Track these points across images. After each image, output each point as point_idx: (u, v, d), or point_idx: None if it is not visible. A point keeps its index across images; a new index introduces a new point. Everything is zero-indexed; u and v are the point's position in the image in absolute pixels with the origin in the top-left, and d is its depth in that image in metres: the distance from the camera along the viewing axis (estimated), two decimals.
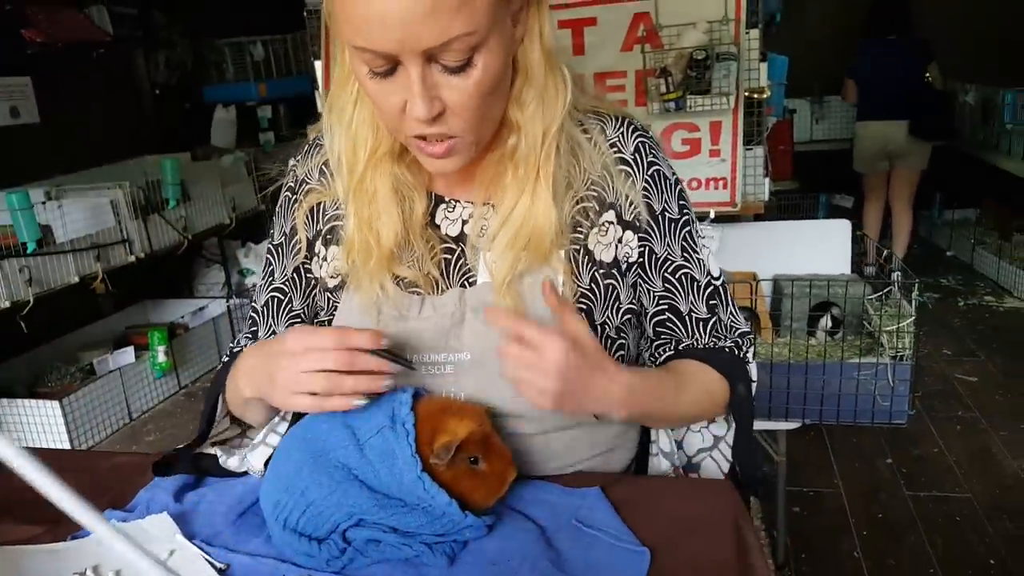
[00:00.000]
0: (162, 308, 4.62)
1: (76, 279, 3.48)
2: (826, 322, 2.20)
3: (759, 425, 2.17)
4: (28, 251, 3.27)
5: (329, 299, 1.04)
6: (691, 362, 1.01)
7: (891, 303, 2.24)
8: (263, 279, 1.11)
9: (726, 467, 1.07)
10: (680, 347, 1.03)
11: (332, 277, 1.03)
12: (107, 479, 1.08)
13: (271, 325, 1.08)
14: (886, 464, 3.03)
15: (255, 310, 1.11)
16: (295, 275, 1.07)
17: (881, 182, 5.00)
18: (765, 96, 2.27)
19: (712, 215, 2.34)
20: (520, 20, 0.86)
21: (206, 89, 5.27)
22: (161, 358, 3.88)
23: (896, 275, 2.22)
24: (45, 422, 3.41)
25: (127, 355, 3.86)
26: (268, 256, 1.10)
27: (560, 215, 0.93)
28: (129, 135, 4.86)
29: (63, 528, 0.93)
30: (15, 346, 3.79)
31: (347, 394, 0.83)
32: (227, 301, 3.97)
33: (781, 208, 4.86)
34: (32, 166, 4.00)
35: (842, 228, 2.41)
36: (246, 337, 1.12)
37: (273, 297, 1.08)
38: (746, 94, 2.25)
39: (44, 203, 3.47)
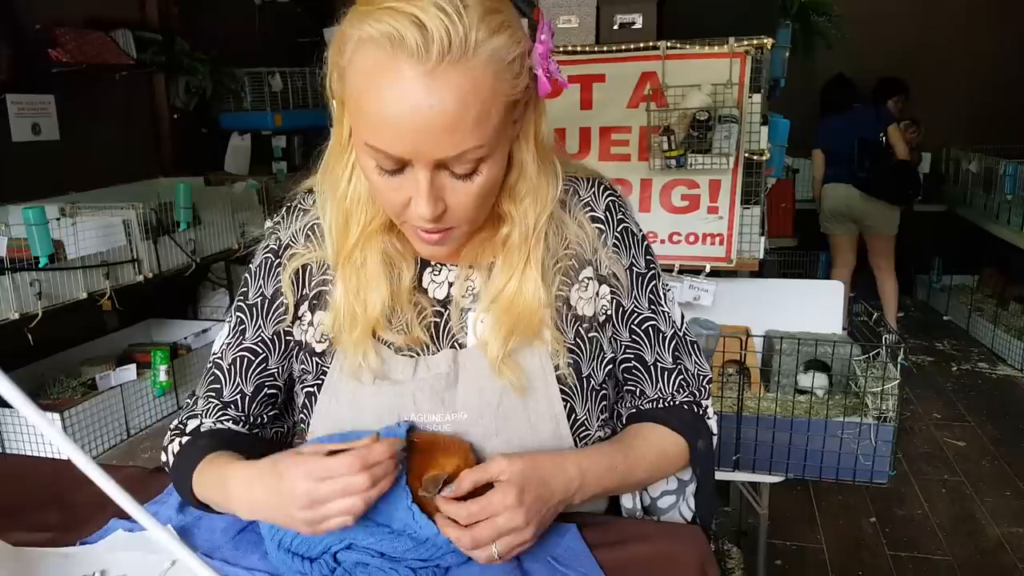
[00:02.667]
0: (166, 328, 4.67)
1: (85, 295, 3.54)
2: (813, 380, 2.26)
3: (744, 477, 2.22)
4: (40, 265, 3.34)
5: (317, 364, 1.04)
6: (647, 426, 1.06)
7: (878, 365, 2.30)
8: (231, 337, 1.07)
9: (689, 515, 1.12)
10: (644, 397, 1.09)
11: (319, 342, 1.04)
12: None
13: (239, 384, 1.06)
14: (870, 523, 3.06)
15: (219, 367, 1.07)
16: (274, 338, 1.06)
17: (848, 244, 5.07)
18: (765, 158, 2.35)
19: (708, 269, 2.41)
20: (518, 120, 0.91)
21: (223, 116, 5.36)
22: (162, 377, 3.92)
23: (885, 338, 2.28)
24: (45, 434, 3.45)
25: (129, 372, 3.90)
26: (238, 315, 1.07)
27: (549, 295, 0.98)
28: (145, 157, 4.95)
29: (71, 534, 0.99)
30: (20, 357, 3.84)
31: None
32: None
33: (781, 264, 4.93)
34: (49, 182, 4.08)
35: (835, 289, 2.47)
36: (207, 398, 1.08)
37: (243, 357, 1.06)
38: (746, 155, 2.33)
39: (59, 219, 3.54)
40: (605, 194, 1.07)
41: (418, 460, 0.92)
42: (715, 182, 2.36)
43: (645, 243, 1.09)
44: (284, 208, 1.09)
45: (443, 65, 0.78)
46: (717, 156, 2.27)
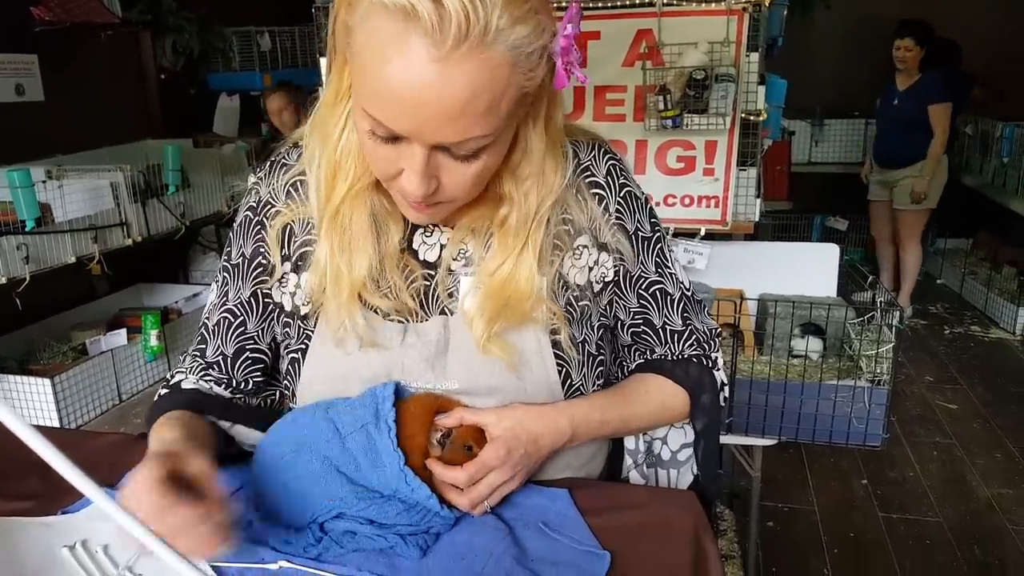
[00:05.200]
0: (156, 292, 4.65)
1: (73, 259, 3.52)
2: (807, 343, 2.24)
3: (737, 440, 2.22)
4: (27, 229, 3.30)
5: (300, 328, 1.01)
6: (651, 378, 1.06)
7: (872, 328, 2.29)
8: (217, 297, 1.06)
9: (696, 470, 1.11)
10: (654, 355, 1.08)
11: (304, 304, 1.00)
12: (96, 457, 1.11)
13: (219, 346, 1.05)
14: (862, 485, 3.08)
15: (206, 327, 1.06)
16: (252, 299, 1.03)
17: None
18: (762, 119, 2.31)
19: (703, 232, 2.39)
20: (529, 106, 0.86)
21: (211, 76, 5.30)
22: (153, 342, 3.91)
23: (880, 301, 2.26)
24: (36, 399, 3.44)
25: (119, 337, 3.88)
26: (223, 275, 1.05)
27: (544, 280, 0.95)
28: (132, 118, 4.89)
29: (53, 503, 0.97)
30: (9, 322, 3.82)
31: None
32: None
33: (776, 228, 4.92)
34: (34, 144, 4.03)
35: (831, 252, 2.45)
36: (194, 356, 1.07)
37: (224, 318, 1.04)
38: (742, 116, 2.29)
39: (45, 182, 3.49)
40: (605, 158, 1.02)
41: (410, 423, 0.90)
42: (711, 143, 2.33)
43: (648, 206, 1.05)
44: (268, 163, 1.05)
45: (459, 51, 0.72)
46: (713, 116, 2.23)
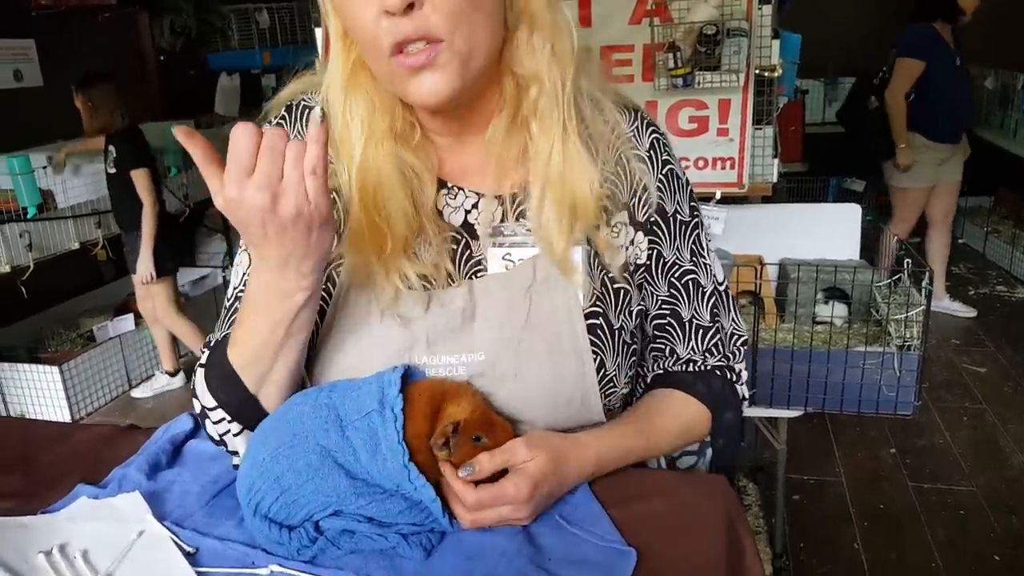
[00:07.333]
0: None
1: (77, 245, 3.49)
2: (832, 309, 2.16)
3: (761, 412, 2.14)
4: (28, 216, 3.26)
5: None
6: (674, 397, 0.98)
7: (900, 291, 2.19)
8: (239, 280, 0.97)
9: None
10: (675, 356, 1.00)
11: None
12: (84, 450, 1.06)
13: None
14: (890, 454, 3.00)
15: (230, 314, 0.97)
16: None
17: None
18: (776, 74, 2.21)
19: (718, 196, 2.29)
20: None
21: (211, 56, 5.22)
22: None
23: (907, 262, 2.17)
24: (45, 387, 3.41)
25: (127, 322, 3.85)
26: (246, 254, 0.96)
27: (599, 175, 0.88)
28: (132, 101, 4.82)
29: (35, 501, 0.91)
30: (16, 311, 3.79)
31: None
32: (228, 271, 3.97)
33: (790, 191, 4.80)
34: (34, 130, 3.97)
35: (852, 213, 2.36)
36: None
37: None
38: (756, 72, 2.19)
39: (45, 168, 3.45)
40: (649, 130, 0.95)
41: (417, 413, 0.82)
42: (724, 102, 2.23)
43: (689, 188, 0.99)
44: (284, 108, 0.96)
45: None
46: (726, 73, 2.14)
